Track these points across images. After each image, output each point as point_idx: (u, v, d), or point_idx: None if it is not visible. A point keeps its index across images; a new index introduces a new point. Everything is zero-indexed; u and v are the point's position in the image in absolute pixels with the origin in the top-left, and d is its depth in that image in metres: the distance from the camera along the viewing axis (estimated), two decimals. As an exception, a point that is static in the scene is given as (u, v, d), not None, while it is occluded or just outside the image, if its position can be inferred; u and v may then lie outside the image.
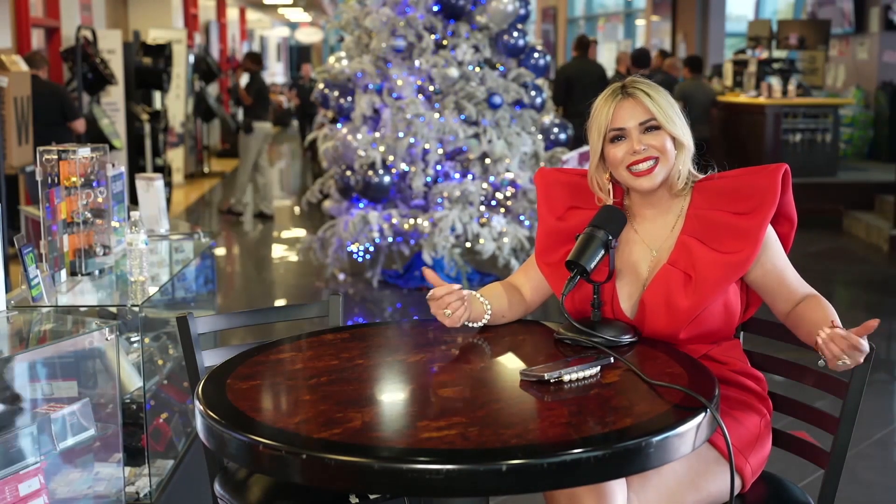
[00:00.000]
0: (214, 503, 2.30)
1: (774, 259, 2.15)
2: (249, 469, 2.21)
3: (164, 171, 10.53)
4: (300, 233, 9.67)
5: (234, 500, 2.23)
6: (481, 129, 6.68)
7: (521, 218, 6.76)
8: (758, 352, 2.31)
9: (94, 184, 3.33)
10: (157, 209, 3.97)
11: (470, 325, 2.23)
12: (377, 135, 6.74)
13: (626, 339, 2.13)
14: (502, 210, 6.75)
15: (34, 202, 4.49)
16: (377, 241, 6.70)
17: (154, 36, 11.67)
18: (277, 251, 8.84)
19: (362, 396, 1.89)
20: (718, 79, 12.64)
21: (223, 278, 7.59)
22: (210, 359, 2.37)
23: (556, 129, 7.04)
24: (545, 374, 1.88)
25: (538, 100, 6.98)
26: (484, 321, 2.24)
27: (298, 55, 33.78)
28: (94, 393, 2.91)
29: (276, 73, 31.67)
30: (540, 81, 7.11)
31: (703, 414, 1.75)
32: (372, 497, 2.13)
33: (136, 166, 10.03)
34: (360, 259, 6.91)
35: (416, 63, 6.70)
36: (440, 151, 6.65)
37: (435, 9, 6.73)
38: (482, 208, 6.67)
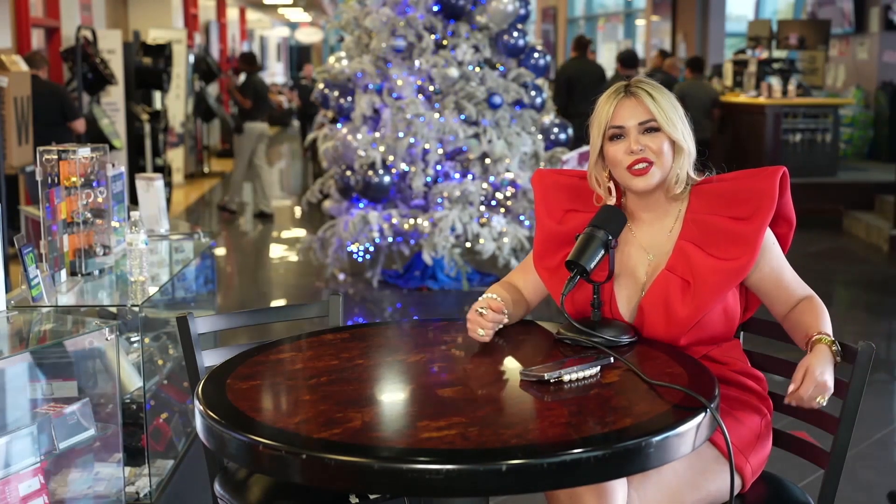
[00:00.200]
0: (214, 503, 2.30)
1: (772, 262, 2.15)
2: (249, 469, 2.21)
3: (164, 171, 10.53)
4: (300, 233, 9.67)
5: (234, 500, 2.23)
6: (481, 129, 6.68)
7: (521, 218, 6.76)
8: (758, 352, 2.31)
9: (94, 184, 3.33)
10: (157, 209, 3.97)
11: None
12: (377, 135, 6.74)
13: (626, 339, 2.13)
14: (502, 210, 6.75)
15: (34, 202, 4.49)
16: (377, 241, 6.70)
17: (154, 36, 11.67)
18: (277, 251, 8.84)
19: (362, 396, 1.89)
20: (718, 79, 12.64)
21: (223, 278, 7.59)
22: (210, 359, 2.37)
23: (556, 129, 7.04)
24: (545, 374, 1.88)
25: (538, 100, 6.98)
26: (499, 326, 2.24)
27: (298, 55, 33.78)
28: (94, 393, 2.91)
29: (276, 72, 31.67)
30: (540, 81, 7.11)
31: (703, 414, 1.75)
32: (372, 497, 2.13)
33: (136, 166, 10.03)
34: (360, 259, 6.91)
35: (416, 63, 6.70)
36: (440, 151, 6.65)
37: (435, 9, 6.73)
38: (482, 208, 6.67)
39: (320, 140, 7.34)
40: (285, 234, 9.72)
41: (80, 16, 10.62)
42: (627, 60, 9.61)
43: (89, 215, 3.30)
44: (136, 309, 3.04)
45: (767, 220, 2.11)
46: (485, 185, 6.66)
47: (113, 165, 3.46)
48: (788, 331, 2.18)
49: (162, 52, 10.75)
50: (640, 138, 2.15)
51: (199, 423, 1.83)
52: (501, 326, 2.21)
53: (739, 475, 2.08)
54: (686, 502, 2.02)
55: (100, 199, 3.34)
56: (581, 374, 1.91)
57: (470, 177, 6.69)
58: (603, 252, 2.14)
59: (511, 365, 2.06)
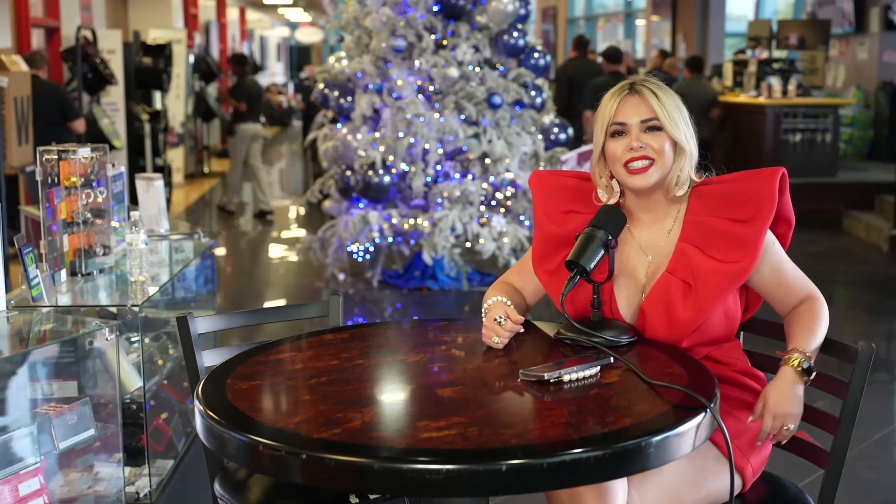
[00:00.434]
0: (214, 503, 2.30)
1: (771, 264, 2.15)
2: (249, 469, 2.21)
3: (164, 171, 10.53)
4: (300, 233, 9.67)
5: (234, 500, 2.23)
6: (481, 129, 6.68)
7: (521, 218, 6.76)
8: (758, 352, 2.31)
9: (94, 184, 3.33)
10: (157, 209, 3.97)
11: None
12: (377, 135, 6.74)
13: (626, 339, 2.13)
14: (502, 210, 6.75)
15: (34, 202, 4.49)
16: (377, 241, 6.70)
17: (154, 36, 11.67)
18: (277, 251, 8.84)
19: (362, 396, 1.89)
20: (718, 79, 12.64)
21: (223, 278, 7.59)
22: (210, 359, 2.37)
23: (556, 129, 7.04)
24: (545, 374, 1.88)
25: (538, 100, 6.98)
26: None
27: (298, 55, 33.78)
28: (94, 393, 2.91)
29: (276, 73, 31.66)
30: (540, 81, 7.11)
31: (703, 414, 1.75)
32: (372, 497, 2.13)
33: (136, 166, 10.03)
34: (360, 259, 6.91)
35: (416, 63, 6.70)
36: (440, 151, 6.65)
37: (435, 9, 6.73)
38: (482, 208, 6.67)
39: (320, 140, 7.34)
40: (285, 234, 9.72)
41: (80, 16, 10.62)
42: (611, 56, 9.61)
43: (89, 215, 3.30)
44: (136, 309, 3.04)
45: (768, 223, 2.10)
46: (485, 185, 6.66)
47: (113, 165, 3.46)
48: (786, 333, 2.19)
49: (162, 52, 10.74)
50: (642, 136, 2.14)
51: (199, 423, 1.83)
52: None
53: (740, 475, 2.08)
54: (686, 502, 2.03)
55: (100, 199, 3.34)
56: (581, 374, 1.91)
57: (470, 177, 6.69)
58: (603, 252, 2.14)
59: (511, 365, 2.06)
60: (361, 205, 6.82)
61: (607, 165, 2.21)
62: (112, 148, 8.51)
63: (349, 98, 6.95)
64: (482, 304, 2.26)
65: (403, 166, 6.67)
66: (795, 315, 2.16)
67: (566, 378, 1.89)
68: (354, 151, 6.70)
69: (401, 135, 6.59)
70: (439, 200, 6.61)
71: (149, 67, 10.56)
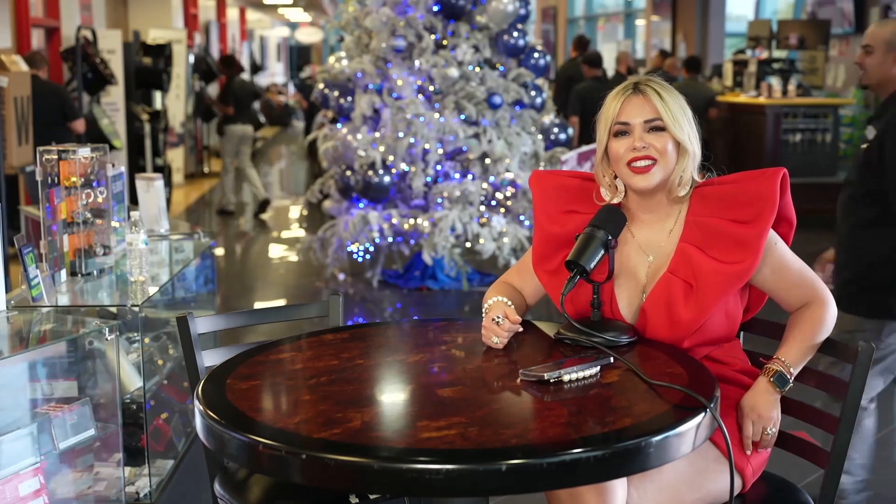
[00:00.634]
0: (214, 503, 2.30)
1: (774, 264, 2.14)
2: (249, 469, 2.21)
3: (164, 171, 10.53)
4: (300, 233, 9.67)
5: (234, 500, 2.23)
6: (481, 129, 6.68)
7: (521, 218, 6.76)
8: (758, 352, 2.31)
9: (94, 184, 3.33)
10: (157, 209, 3.97)
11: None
12: (377, 135, 6.74)
13: (626, 339, 2.13)
14: (502, 210, 6.75)
15: (34, 202, 4.49)
16: (377, 241, 6.70)
17: (154, 36, 11.67)
18: (277, 251, 8.84)
19: (362, 396, 1.89)
20: (718, 79, 12.63)
21: (223, 278, 7.59)
22: (210, 359, 2.37)
23: (556, 129, 7.04)
24: (545, 374, 1.88)
25: (538, 100, 6.98)
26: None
27: (298, 55, 33.76)
28: (94, 393, 2.91)
29: (276, 72, 31.65)
30: (540, 81, 7.11)
31: (702, 414, 1.75)
32: (372, 497, 2.13)
33: (136, 166, 10.03)
34: (360, 259, 6.91)
35: (416, 63, 6.70)
36: (440, 151, 6.65)
37: (435, 9, 6.73)
38: (482, 208, 6.67)
39: (320, 140, 7.34)
40: (285, 234, 9.72)
41: (80, 16, 10.61)
42: (592, 61, 9.63)
43: (89, 215, 3.30)
44: (136, 309, 3.04)
45: (769, 224, 2.10)
46: (485, 185, 6.66)
47: (113, 165, 3.46)
48: None
49: (162, 52, 10.74)
50: (645, 136, 2.14)
51: (199, 423, 1.83)
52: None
53: (740, 475, 2.08)
54: (686, 502, 2.03)
55: (100, 199, 3.34)
56: (581, 374, 1.91)
57: (470, 177, 6.69)
58: (603, 252, 2.14)
59: (511, 365, 2.06)
60: (361, 205, 6.82)
61: (611, 165, 2.21)
62: (112, 148, 8.51)
63: (349, 98, 6.95)
64: (482, 304, 2.26)
65: (403, 166, 6.67)
66: (797, 319, 2.16)
67: (566, 378, 1.89)
68: (354, 151, 6.70)
69: (401, 135, 6.59)
70: (439, 200, 6.61)
71: (149, 67, 10.56)
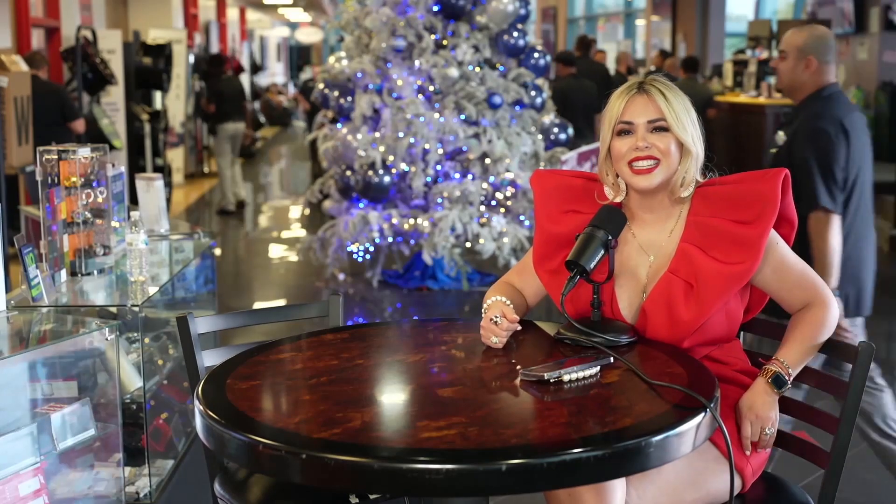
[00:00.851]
0: (214, 503, 2.30)
1: (775, 264, 2.14)
2: (249, 469, 2.21)
3: (164, 171, 10.53)
4: (300, 233, 9.67)
5: (234, 500, 2.23)
6: (481, 129, 6.68)
7: (521, 218, 6.76)
8: (758, 352, 2.31)
9: (94, 184, 3.33)
10: (157, 209, 3.97)
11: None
12: (377, 135, 6.74)
13: (626, 339, 2.13)
14: (502, 210, 6.75)
15: (34, 202, 4.49)
16: (377, 241, 6.70)
17: (154, 36, 11.67)
18: (277, 251, 8.84)
19: (362, 396, 1.89)
20: (718, 79, 12.64)
21: (223, 278, 7.59)
22: (210, 359, 2.37)
23: (556, 129, 7.04)
24: (545, 374, 1.88)
25: (538, 100, 6.98)
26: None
27: (298, 55, 33.76)
28: (94, 393, 2.91)
29: (276, 72, 31.65)
30: (540, 81, 7.11)
31: (702, 414, 1.75)
32: (372, 497, 2.13)
33: (136, 166, 10.03)
34: (360, 259, 6.91)
35: (416, 63, 6.70)
36: (440, 151, 6.65)
37: (435, 9, 6.73)
38: (482, 208, 6.67)
39: (320, 140, 7.34)
40: (285, 234, 9.72)
41: (80, 16, 10.61)
42: (566, 60, 9.65)
43: (89, 215, 3.29)
44: (136, 309, 3.04)
45: (770, 225, 2.10)
46: (485, 185, 6.66)
47: (113, 165, 3.46)
48: None
49: (162, 52, 10.73)
50: (648, 136, 2.14)
51: (199, 423, 1.83)
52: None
53: (739, 475, 2.08)
54: (686, 501, 2.03)
55: (100, 199, 3.34)
56: (581, 374, 1.91)
57: (470, 177, 6.69)
58: (603, 252, 2.14)
59: (511, 365, 2.05)
60: (361, 205, 6.82)
61: (613, 164, 2.21)
62: (112, 148, 8.51)
63: (349, 98, 6.95)
64: (483, 303, 2.26)
65: (403, 166, 6.67)
66: (798, 320, 2.16)
67: (566, 378, 1.89)
68: (354, 151, 6.70)
69: (401, 135, 6.59)
70: (439, 200, 6.61)
71: (149, 67, 10.56)
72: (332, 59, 7.42)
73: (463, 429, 1.67)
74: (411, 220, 6.67)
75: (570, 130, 7.19)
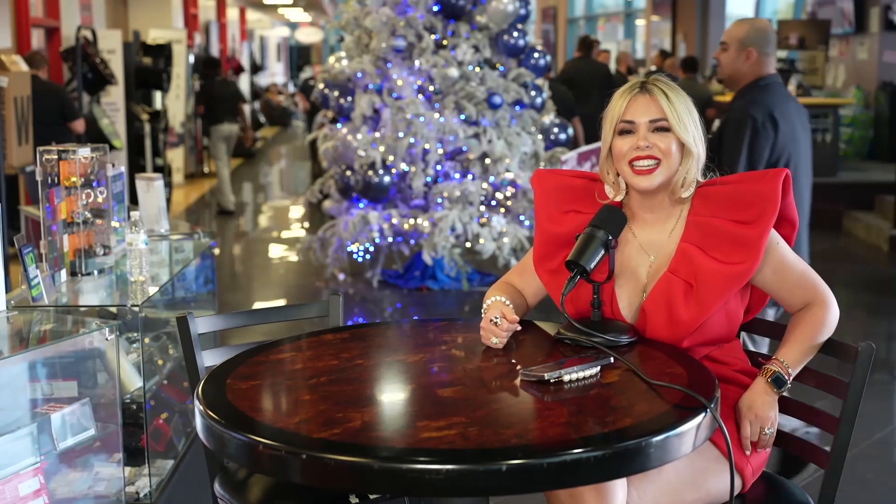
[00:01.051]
0: (214, 503, 2.30)
1: (775, 264, 2.14)
2: (249, 469, 2.21)
3: (164, 171, 10.53)
4: (300, 233, 9.67)
5: (234, 500, 2.23)
6: (481, 129, 6.68)
7: (521, 218, 6.76)
8: (758, 352, 2.31)
9: (94, 184, 3.33)
10: (157, 209, 3.97)
11: None
12: (377, 135, 6.74)
13: (626, 339, 2.13)
14: (502, 210, 6.75)
15: (34, 202, 4.49)
16: (377, 241, 6.70)
17: (154, 36, 11.66)
18: (277, 251, 8.84)
19: (362, 396, 1.89)
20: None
21: (223, 278, 7.59)
22: (210, 359, 2.37)
23: (556, 129, 7.04)
24: (545, 374, 1.88)
25: (538, 100, 6.98)
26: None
27: (298, 55, 33.75)
28: (94, 393, 2.91)
29: (276, 72, 31.65)
30: (540, 81, 7.11)
31: (703, 414, 1.75)
32: (372, 497, 2.13)
33: (136, 166, 10.02)
34: (360, 259, 6.90)
35: (416, 63, 6.70)
36: (440, 151, 6.65)
37: (435, 9, 6.73)
38: (482, 208, 6.67)
39: (320, 140, 7.34)
40: (285, 234, 9.72)
41: (80, 16, 10.61)
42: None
43: (89, 215, 3.29)
44: (136, 309, 3.04)
45: (770, 225, 2.10)
46: (485, 185, 6.66)
47: (113, 165, 3.46)
48: None
49: (162, 52, 10.73)
50: (649, 136, 2.14)
51: (199, 423, 1.83)
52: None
53: (740, 475, 2.08)
54: (686, 501, 2.03)
55: (100, 199, 3.34)
56: (581, 374, 1.91)
57: (470, 177, 6.69)
58: (603, 252, 2.14)
59: (511, 365, 2.06)
60: (361, 205, 6.82)
61: (614, 163, 2.21)
62: (112, 148, 8.51)
63: (349, 98, 6.95)
64: (483, 303, 2.26)
65: (403, 166, 6.67)
66: (798, 320, 2.16)
67: (566, 378, 1.89)
68: (354, 151, 6.70)
69: (401, 135, 6.59)
70: (439, 200, 6.61)
71: (149, 67, 10.56)
72: (332, 59, 7.42)
73: (463, 429, 1.67)
74: (411, 220, 6.67)
75: (570, 130, 7.20)
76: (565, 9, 19.99)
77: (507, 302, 2.21)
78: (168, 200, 9.51)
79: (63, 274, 3.22)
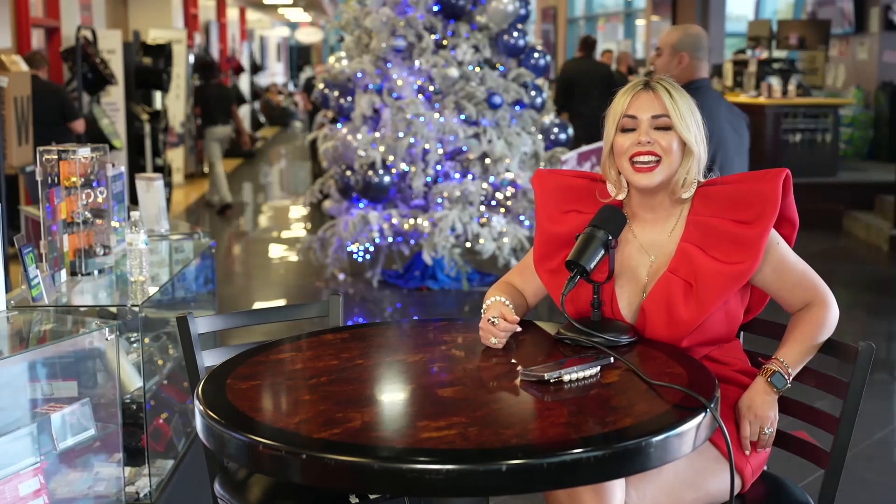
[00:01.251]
0: (214, 503, 2.30)
1: (775, 264, 2.14)
2: (249, 469, 2.21)
3: (164, 171, 10.52)
4: (300, 233, 9.67)
5: (234, 500, 2.23)
6: (481, 129, 6.68)
7: (521, 218, 6.76)
8: (758, 352, 2.31)
9: (94, 184, 3.33)
10: (157, 209, 3.97)
11: None
12: (377, 135, 6.74)
13: (626, 339, 2.13)
14: (502, 210, 6.75)
15: (34, 202, 4.49)
16: (377, 241, 6.70)
17: (154, 36, 11.66)
18: (277, 251, 8.84)
19: (362, 396, 1.89)
20: (718, 79, 12.63)
21: (223, 278, 7.59)
22: (210, 359, 2.37)
23: (556, 129, 7.04)
24: (545, 374, 1.88)
25: (538, 100, 6.98)
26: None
27: (298, 55, 33.74)
28: (94, 393, 2.91)
29: (276, 72, 31.64)
30: (540, 81, 7.11)
31: (703, 414, 1.75)
32: (372, 497, 2.13)
33: (136, 166, 10.02)
34: (360, 259, 6.90)
35: (416, 63, 6.70)
36: (440, 151, 6.65)
37: (435, 9, 6.73)
38: (482, 208, 6.67)
39: (320, 140, 7.34)
40: (285, 234, 9.72)
41: (80, 16, 10.61)
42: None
43: (89, 215, 3.29)
44: (136, 309, 3.04)
45: (770, 224, 2.10)
46: (485, 185, 6.66)
47: (113, 165, 3.46)
48: None
49: (162, 52, 10.73)
50: (651, 133, 2.14)
51: (199, 423, 1.83)
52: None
53: (739, 475, 2.08)
54: (686, 502, 2.03)
55: (100, 199, 3.34)
56: (581, 374, 1.91)
57: (470, 177, 6.69)
58: (603, 252, 2.14)
59: (511, 365, 2.06)
60: (361, 205, 6.81)
61: (616, 160, 2.20)
62: (112, 148, 8.51)
63: (349, 98, 6.95)
64: (483, 303, 2.26)
65: (403, 166, 6.67)
66: (798, 320, 2.16)
67: (566, 378, 1.89)
68: (354, 151, 6.70)
69: (401, 135, 6.59)
70: (439, 200, 6.61)
71: (149, 67, 10.56)
72: (332, 59, 7.42)
73: (463, 429, 1.67)
74: (411, 220, 6.67)
75: (570, 130, 7.20)
76: (565, 9, 19.98)
77: (507, 302, 2.21)
78: (168, 200, 9.50)
79: (63, 274, 3.22)
